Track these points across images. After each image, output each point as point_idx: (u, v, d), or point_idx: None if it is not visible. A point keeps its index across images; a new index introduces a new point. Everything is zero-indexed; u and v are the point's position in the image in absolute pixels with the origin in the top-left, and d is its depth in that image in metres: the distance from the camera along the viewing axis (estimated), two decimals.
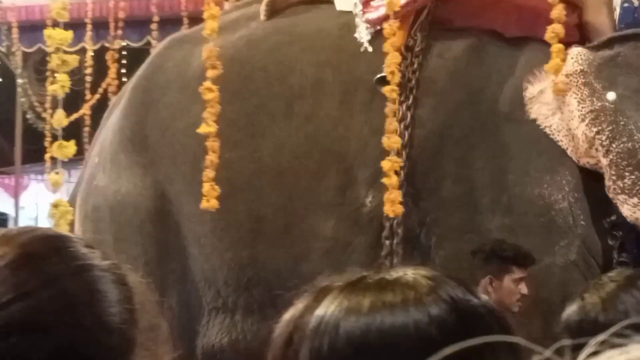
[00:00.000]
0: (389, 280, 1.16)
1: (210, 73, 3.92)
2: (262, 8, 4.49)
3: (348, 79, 4.23)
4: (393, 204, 3.81)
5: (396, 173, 3.99)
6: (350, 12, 4.31)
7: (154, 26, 8.53)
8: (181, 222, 4.37)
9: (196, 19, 6.81)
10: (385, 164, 3.83)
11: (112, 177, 4.45)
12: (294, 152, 4.20)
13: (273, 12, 4.47)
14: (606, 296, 1.76)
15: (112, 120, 4.65)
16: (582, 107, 3.94)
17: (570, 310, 1.80)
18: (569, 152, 4.01)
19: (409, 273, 1.17)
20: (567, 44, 4.10)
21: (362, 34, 4.22)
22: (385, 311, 1.12)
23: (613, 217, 4.00)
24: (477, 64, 4.10)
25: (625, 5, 4.19)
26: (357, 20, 4.25)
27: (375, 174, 4.12)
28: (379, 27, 4.17)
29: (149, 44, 8.59)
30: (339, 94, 4.19)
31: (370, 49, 4.20)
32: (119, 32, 8.72)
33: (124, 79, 9.63)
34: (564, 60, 3.63)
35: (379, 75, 4.07)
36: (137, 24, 9.83)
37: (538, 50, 4.13)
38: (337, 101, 4.19)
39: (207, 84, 3.95)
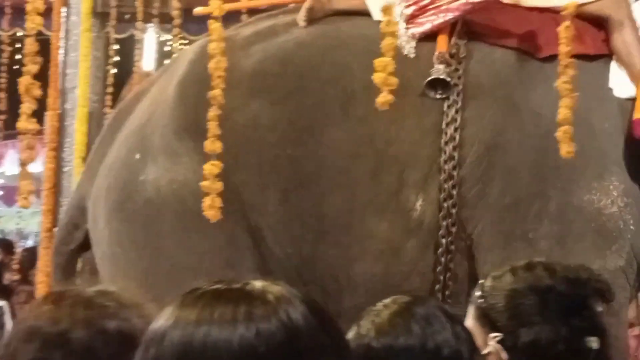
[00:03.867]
0: (223, 292, 1.15)
1: (32, 68, 3.78)
2: (302, 14, 4.53)
3: (398, 83, 4.29)
4: (212, 209, 3.75)
5: (450, 176, 4.14)
6: None
7: None
8: (244, 213, 4.28)
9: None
10: (207, 168, 3.78)
11: (167, 166, 4.30)
12: (352, 152, 4.24)
13: (311, 20, 4.51)
14: (379, 322, 1.81)
15: (154, 118, 4.49)
16: None
17: (347, 337, 1.85)
18: None
19: (255, 286, 1.16)
20: (599, 57, 4.32)
21: (407, 45, 4.35)
22: (211, 324, 1.11)
23: None
24: (517, 76, 4.21)
25: None
26: (401, 33, 4.33)
27: (424, 177, 4.19)
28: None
29: None
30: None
31: (413, 56, 4.36)
32: None
33: None
34: (392, 74, 3.69)
35: (429, 79, 4.21)
36: None
37: (578, 66, 4.19)
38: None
39: (27, 79, 3.80)
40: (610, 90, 4.33)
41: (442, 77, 4.24)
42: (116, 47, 8.35)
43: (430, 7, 4.39)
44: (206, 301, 1.14)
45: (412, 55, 4.35)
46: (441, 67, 4.26)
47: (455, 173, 4.17)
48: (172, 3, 7.80)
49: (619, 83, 4.34)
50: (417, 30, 4.37)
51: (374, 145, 4.25)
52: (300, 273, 4.24)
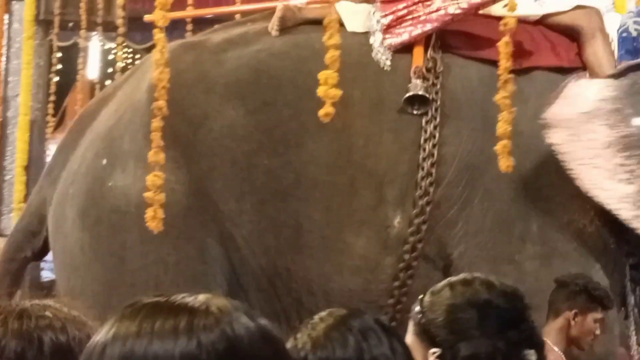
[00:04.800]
0: (164, 304, 1.14)
1: None
2: (274, 23, 4.42)
3: (375, 96, 4.21)
4: (155, 220, 3.69)
5: (426, 192, 4.10)
6: (363, 33, 4.35)
7: None
8: (217, 222, 4.18)
9: None
10: (150, 179, 3.70)
11: (138, 174, 4.12)
12: (329, 165, 4.17)
13: (283, 28, 4.42)
14: (315, 335, 1.81)
15: (122, 123, 4.33)
16: (613, 134, 4.06)
17: None
18: (576, 181, 4.06)
19: (198, 299, 1.15)
20: (570, 69, 4.29)
21: (382, 57, 4.29)
22: (152, 335, 1.11)
23: (631, 235, 4.10)
24: (490, 93, 4.07)
25: (624, 35, 4.37)
26: (377, 44, 4.29)
27: (403, 193, 4.14)
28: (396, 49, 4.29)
29: None
30: (368, 110, 4.19)
31: (389, 69, 4.27)
32: None
33: None
34: (335, 86, 3.67)
35: (407, 95, 4.15)
36: None
37: (545, 80, 4.25)
38: (366, 118, 4.17)
39: None
40: None
41: (420, 93, 4.18)
42: (59, 55, 8.30)
43: (408, 17, 4.34)
44: (147, 313, 1.14)
45: (388, 68, 4.28)
46: (418, 82, 4.21)
47: (431, 190, 4.13)
48: (117, 12, 7.77)
49: None
50: (395, 41, 4.31)
51: (351, 159, 4.19)
52: (273, 284, 4.19)
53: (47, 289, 6.78)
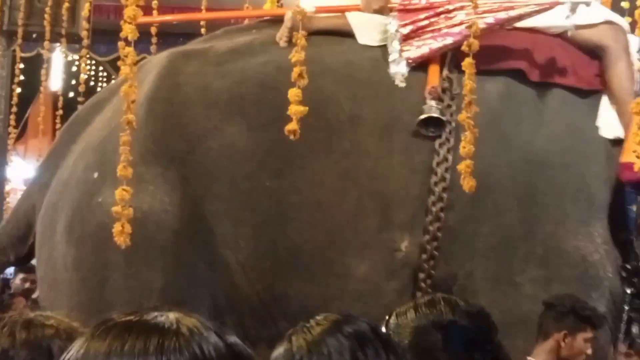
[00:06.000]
0: (135, 324, 1.14)
1: None
2: (283, 33, 4.27)
3: (386, 116, 4.11)
4: (122, 235, 3.63)
5: (437, 218, 4.02)
6: (376, 47, 4.23)
7: None
8: (210, 246, 4.03)
9: None
10: (118, 193, 3.62)
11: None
12: (333, 187, 4.04)
13: (292, 39, 4.13)
14: (312, 339, 1.81)
15: (116, 134, 3.92)
16: None
17: (278, 352, 1.83)
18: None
19: (169, 318, 1.15)
20: (590, 92, 4.25)
21: (399, 71, 4.15)
22: (122, 356, 1.11)
23: (633, 264, 4.12)
24: (508, 111, 4.08)
25: None
26: (394, 57, 4.16)
27: (412, 217, 4.03)
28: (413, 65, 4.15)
29: None
30: (378, 131, 4.08)
31: (403, 86, 4.14)
32: None
33: None
34: (300, 103, 3.61)
35: (421, 117, 4.05)
36: None
37: (565, 99, 4.21)
38: (375, 138, 4.07)
39: None
40: (597, 129, 4.23)
41: (435, 115, 4.06)
42: (22, 66, 8.24)
43: (429, 29, 4.20)
44: (117, 333, 1.14)
45: (401, 85, 4.14)
46: (433, 103, 4.09)
47: (442, 215, 4.03)
48: (81, 23, 7.73)
49: (606, 122, 4.25)
50: (414, 54, 4.16)
51: (358, 181, 4.06)
52: (269, 310, 4.06)
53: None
